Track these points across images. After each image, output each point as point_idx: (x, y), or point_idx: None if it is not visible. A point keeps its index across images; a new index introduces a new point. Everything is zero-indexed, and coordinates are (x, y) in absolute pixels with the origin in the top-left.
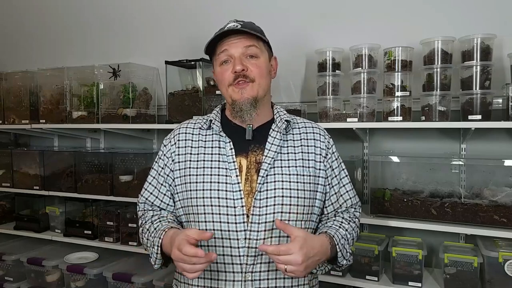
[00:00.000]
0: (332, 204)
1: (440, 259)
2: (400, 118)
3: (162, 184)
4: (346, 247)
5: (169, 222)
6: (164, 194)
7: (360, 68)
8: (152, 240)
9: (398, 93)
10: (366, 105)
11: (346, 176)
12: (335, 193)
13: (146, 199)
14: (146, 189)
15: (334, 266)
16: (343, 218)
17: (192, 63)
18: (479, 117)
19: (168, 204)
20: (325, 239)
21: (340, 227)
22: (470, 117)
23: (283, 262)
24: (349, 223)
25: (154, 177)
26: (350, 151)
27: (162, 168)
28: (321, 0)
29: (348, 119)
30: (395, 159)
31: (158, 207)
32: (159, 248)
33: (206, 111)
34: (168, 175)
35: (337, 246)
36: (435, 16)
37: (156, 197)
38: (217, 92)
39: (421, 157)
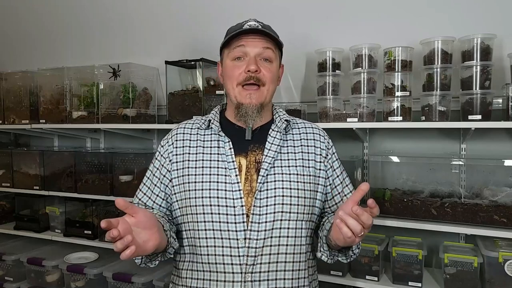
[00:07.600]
0: (336, 204)
1: (440, 259)
2: (400, 118)
3: (155, 185)
4: None
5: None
6: (157, 195)
7: (360, 68)
8: None
9: (398, 93)
10: (366, 105)
11: (347, 176)
12: (339, 193)
13: (140, 199)
14: (140, 190)
15: (343, 256)
16: None
17: (192, 63)
18: (479, 117)
19: (160, 205)
20: None
21: None
22: (470, 117)
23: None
24: None
25: (148, 178)
26: (350, 151)
27: (158, 169)
28: (321, 1)
29: (348, 119)
30: (395, 159)
31: (151, 207)
32: None
33: (206, 111)
34: (164, 176)
35: None
36: (435, 16)
37: (149, 197)
38: (217, 92)
39: (421, 157)
